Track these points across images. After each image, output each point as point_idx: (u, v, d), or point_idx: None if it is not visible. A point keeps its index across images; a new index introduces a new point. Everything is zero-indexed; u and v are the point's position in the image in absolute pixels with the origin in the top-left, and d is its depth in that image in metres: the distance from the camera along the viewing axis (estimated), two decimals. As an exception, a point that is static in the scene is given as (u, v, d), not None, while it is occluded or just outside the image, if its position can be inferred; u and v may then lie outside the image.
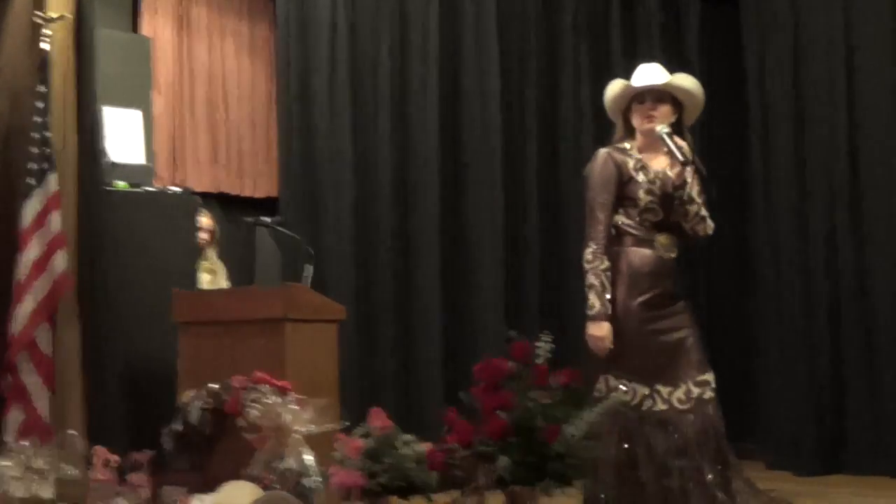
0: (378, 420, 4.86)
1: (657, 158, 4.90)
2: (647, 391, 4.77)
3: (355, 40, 8.13)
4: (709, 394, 4.82)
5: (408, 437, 4.90)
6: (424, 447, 4.83)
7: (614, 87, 5.04)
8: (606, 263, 4.78)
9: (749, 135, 8.38)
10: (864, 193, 7.85)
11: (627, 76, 9.10)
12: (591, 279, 4.76)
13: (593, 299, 4.76)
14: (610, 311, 4.75)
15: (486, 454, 4.75)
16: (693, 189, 4.84)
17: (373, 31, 8.19)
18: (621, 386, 4.74)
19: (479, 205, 8.30)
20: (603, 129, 8.70)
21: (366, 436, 4.75)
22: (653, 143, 4.89)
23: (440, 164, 8.19)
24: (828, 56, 8.25)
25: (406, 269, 8.11)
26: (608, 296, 4.75)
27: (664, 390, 4.78)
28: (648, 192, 4.82)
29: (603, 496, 4.75)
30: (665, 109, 4.89)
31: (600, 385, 4.79)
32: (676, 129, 4.87)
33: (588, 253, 4.79)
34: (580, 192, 8.51)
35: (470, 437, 4.77)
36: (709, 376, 4.84)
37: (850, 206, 7.82)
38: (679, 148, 4.75)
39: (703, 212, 4.88)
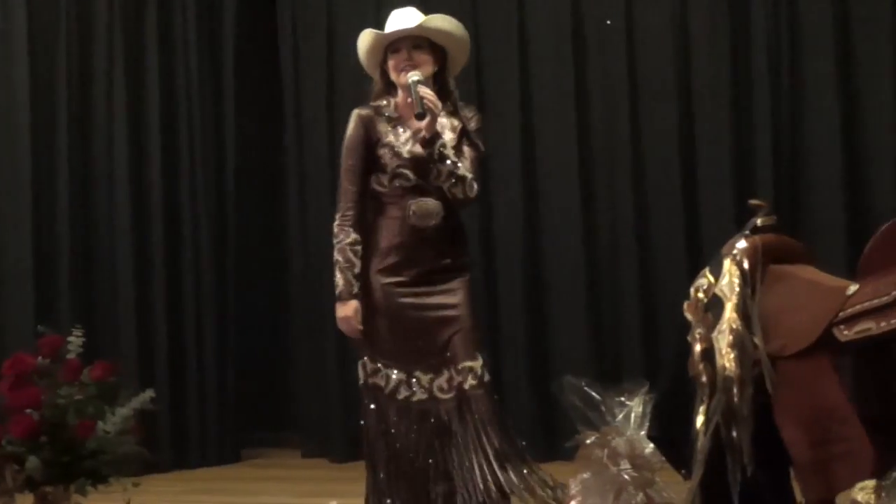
0: None
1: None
2: (403, 377, 4.39)
3: None
4: (471, 382, 4.34)
5: (-71, 441, 4.63)
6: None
7: (365, 39, 4.46)
8: (353, 236, 4.36)
9: (286, 125, 8.36)
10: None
11: (160, 62, 8.90)
12: (336, 255, 4.37)
13: (337, 277, 4.37)
14: (356, 290, 4.35)
15: (13, 455, 4.58)
16: (448, 147, 4.35)
17: None
18: (379, 369, 4.40)
19: (4, 195, 7.89)
20: (138, 118, 8.53)
21: None
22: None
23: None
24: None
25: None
26: (355, 271, 4.35)
27: (424, 378, 4.39)
28: (395, 154, 4.36)
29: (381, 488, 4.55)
30: (424, 58, 4.38)
31: (360, 371, 4.47)
32: (440, 79, 4.42)
33: (334, 226, 4.40)
34: (109, 186, 8.34)
35: (-5, 438, 4.57)
36: (474, 363, 4.37)
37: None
38: (421, 98, 4.23)
39: (462, 172, 4.37)
